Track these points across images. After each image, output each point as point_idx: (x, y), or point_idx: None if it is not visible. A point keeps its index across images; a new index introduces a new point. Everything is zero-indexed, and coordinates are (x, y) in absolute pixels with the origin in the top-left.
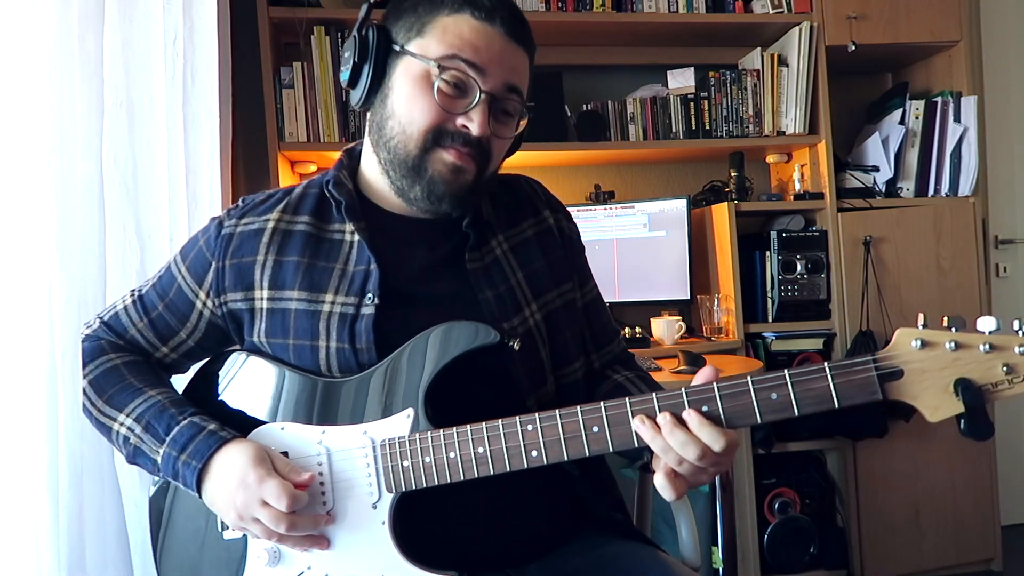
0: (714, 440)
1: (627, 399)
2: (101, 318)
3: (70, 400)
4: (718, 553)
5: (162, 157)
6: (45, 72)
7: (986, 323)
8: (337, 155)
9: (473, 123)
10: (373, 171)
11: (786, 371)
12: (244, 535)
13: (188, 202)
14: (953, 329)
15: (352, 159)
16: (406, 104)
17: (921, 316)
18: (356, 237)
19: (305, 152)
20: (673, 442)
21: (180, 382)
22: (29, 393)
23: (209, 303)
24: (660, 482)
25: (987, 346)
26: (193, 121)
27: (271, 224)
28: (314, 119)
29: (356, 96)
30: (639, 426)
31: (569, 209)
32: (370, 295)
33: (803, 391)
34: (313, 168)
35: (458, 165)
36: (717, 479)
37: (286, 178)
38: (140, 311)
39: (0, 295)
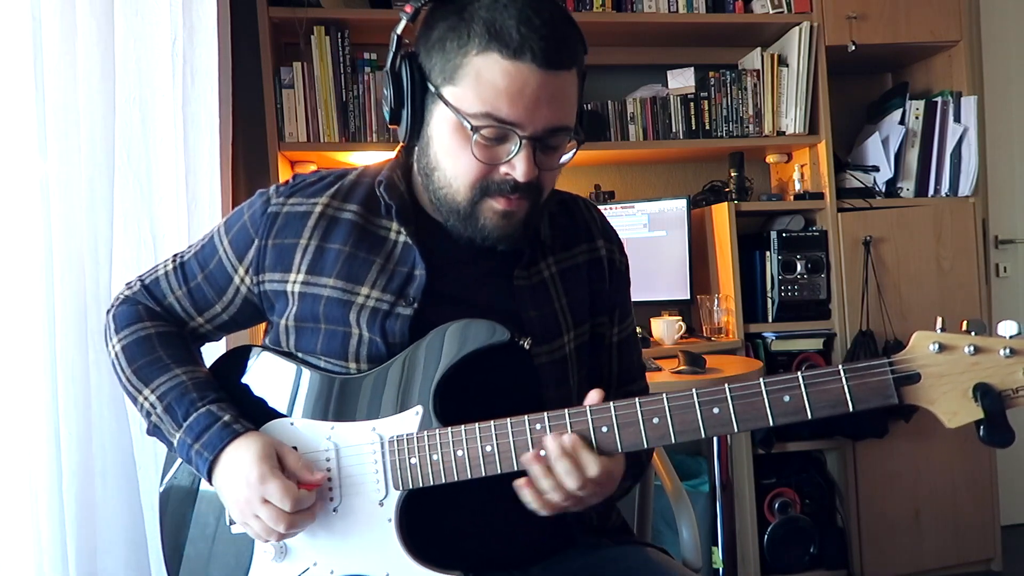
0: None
1: (637, 399)
2: (143, 280)
3: (73, 401)
4: (718, 553)
5: (170, 156)
6: (52, 63)
7: (1007, 327)
8: (337, 155)
9: (517, 171)
10: (423, 192)
11: (799, 374)
12: None
13: (188, 202)
14: (972, 333)
15: (409, 156)
16: (448, 158)
17: (939, 320)
18: (403, 238)
19: (305, 152)
20: None
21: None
22: (29, 394)
23: (248, 279)
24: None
25: (1007, 350)
26: (193, 121)
27: (319, 208)
28: (314, 119)
29: (400, 134)
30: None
31: None
32: (411, 297)
33: (817, 393)
34: (313, 168)
35: (509, 211)
36: (717, 479)
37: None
38: (180, 279)
39: (4, 295)
